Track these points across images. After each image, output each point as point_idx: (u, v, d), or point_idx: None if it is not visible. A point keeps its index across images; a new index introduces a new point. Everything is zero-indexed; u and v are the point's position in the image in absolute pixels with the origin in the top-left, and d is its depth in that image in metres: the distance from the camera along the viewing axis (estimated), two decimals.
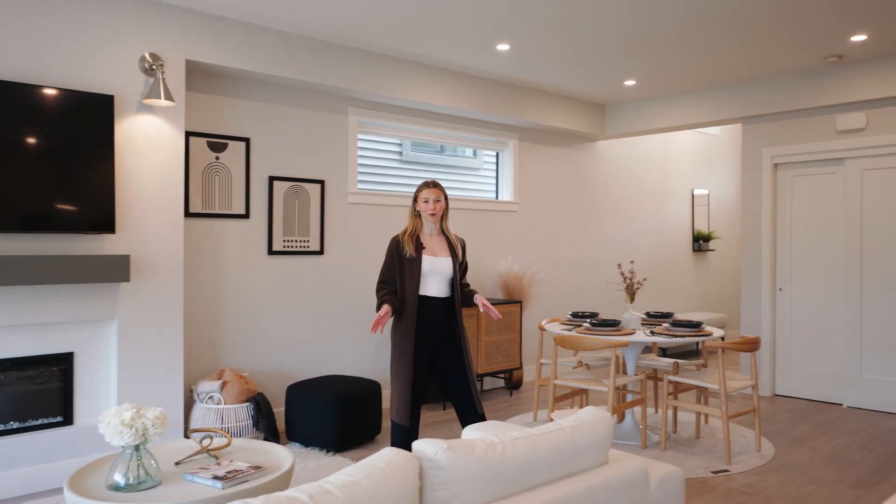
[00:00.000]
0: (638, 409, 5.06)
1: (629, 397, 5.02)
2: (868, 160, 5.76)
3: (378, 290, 3.71)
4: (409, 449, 3.66)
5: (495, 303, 5.95)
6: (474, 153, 6.69)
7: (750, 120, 6.39)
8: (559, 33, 4.83)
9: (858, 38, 4.96)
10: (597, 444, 2.25)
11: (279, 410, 5.00)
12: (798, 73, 5.91)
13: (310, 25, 4.68)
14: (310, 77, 4.94)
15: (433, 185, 3.75)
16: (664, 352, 7.95)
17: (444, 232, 3.82)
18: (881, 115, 5.64)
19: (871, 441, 4.82)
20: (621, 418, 4.93)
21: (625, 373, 4.86)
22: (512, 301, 6.12)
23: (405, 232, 3.74)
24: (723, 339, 4.78)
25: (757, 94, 6.18)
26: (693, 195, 8.90)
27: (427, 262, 3.67)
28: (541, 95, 6.59)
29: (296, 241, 5.16)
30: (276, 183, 5.05)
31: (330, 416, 4.44)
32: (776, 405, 5.93)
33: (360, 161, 5.70)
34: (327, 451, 4.45)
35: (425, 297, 3.68)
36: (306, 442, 4.55)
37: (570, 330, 4.76)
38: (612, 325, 4.62)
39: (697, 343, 8.17)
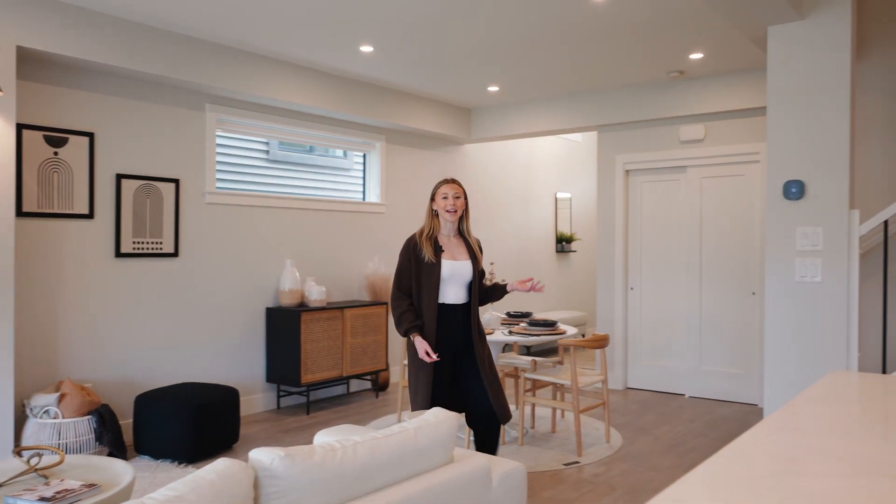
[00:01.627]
0: None
1: None
2: (707, 168, 6.25)
3: (395, 306, 3.38)
4: None
5: (361, 305, 5.93)
6: (344, 154, 6.63)
7: (604, 128, 6.75)
8: (420, 38, 4.88)
9: (696, 55, 5.37)
10: (440, 444, 2.29)
11: (127, 422, 4.72)
12: (646, 85, 6.31)
13: (162, 17, 4.45)
14: (162, 70, 4.70)
15: (452, 181, 3.46)
16: (528, 350, 8.23)
17: (462, 234, 3.52)
18: (718, 128, 6.14)
19: (707, 428, 5.23)
20: None
21: None
22: (378, 303, 6.12)
23: (422, 233, 3.42)
24: (584, 336, 5.01)
25: (610, 104, 6.54)
26: (556, 198, 9.28)
27: (447, 266, 3.36)
28: (408, 98, 6.63)
29: (147, 242, 4.89)
30: (124, 181, 4.76)
31: (182, 425, 4.24)
32: (627, 397, 6.30)
33: (221, 160, 5.49)
34: (179, 464, 4.24)
35: (444, 304, 3.38)
36: (157, 454, 4.32)
37: None
38: None
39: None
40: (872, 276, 4.22)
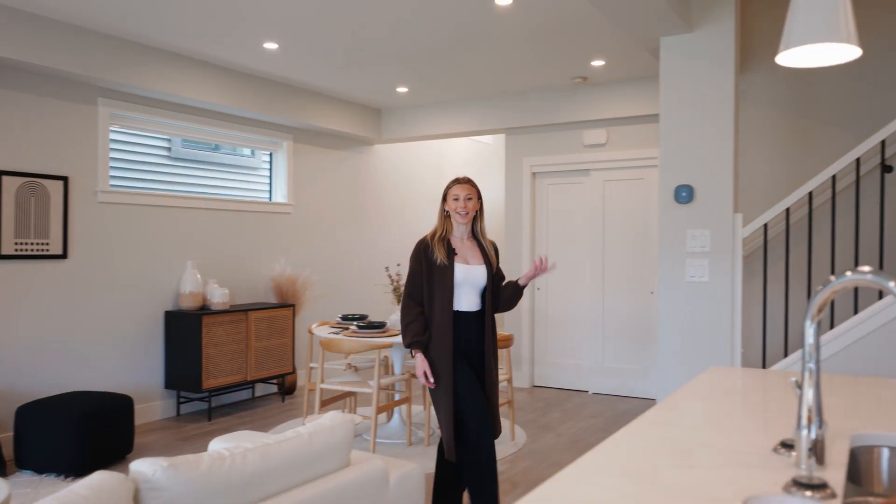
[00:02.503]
0: (408, 407, 5.19)
1: (397, 397, 5.14)
2: (609, 172, 6.47)
3: (403, 314, 3.13)
4: (461, 491, 3.22)
5: (266, 307, 5.79)
6: (252, 153, 6.46)
7: (512, 131, 6.87)
8: (325, 37, 4.82)
9: (598, 62, 5.54)
10: (336, 448, 2.26)
11: (7, 435, 4.43)
12: (551, 90, 6.47)
13: (50, 6, 4.20)
14: (50, 62, 4.43)
15: (465, 180, 3.20)
16: None
17: (475, 236, 3.26)
18: (619, 133, 6.36)
19: (608, 423, 5.41)
20: (389, 417, 5.04)
21: (393, 373, 4.97)
22: (285, 305, 5.99)
23: (434, 234, 3.17)
24: (512, 336, 5.06)
25: (517, 107, 6.67)
26: None
27: (460, 270, 3.10)
28: (316, 97, 6.53)
29: (32, 243, 4.60)
30: (5, 178, 4.46)
31: (70, 437, 4.01)
32: (534, 395, 6.43)
33: (117, 157, 5.23)
34: (66, 478, 4.01)
35: (459, 312, 3.11)
36: (41, 469, 4.07)
37: (338, 333, 4.77)
38: (379, 326, 4.70)
39: None
40: (757, 275, 4.48)
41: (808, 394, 1.29)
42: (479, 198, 3.21)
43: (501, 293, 3.24)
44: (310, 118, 6.46)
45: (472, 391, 3.03)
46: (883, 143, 3.60)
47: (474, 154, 9.56)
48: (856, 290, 3.64)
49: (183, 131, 5.70)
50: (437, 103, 7.08)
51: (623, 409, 5.85)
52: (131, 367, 5.23)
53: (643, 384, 6.28)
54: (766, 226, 3.81)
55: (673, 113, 3.86)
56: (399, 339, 4.58)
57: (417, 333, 3.08)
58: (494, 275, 3.19)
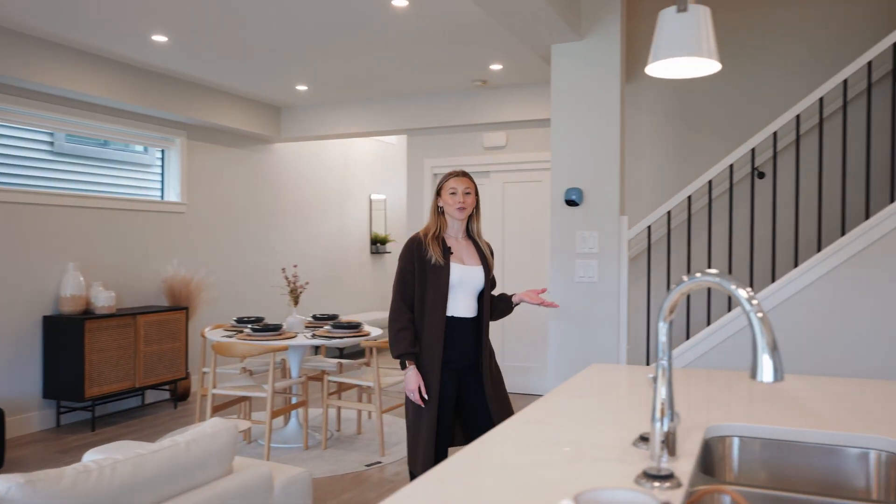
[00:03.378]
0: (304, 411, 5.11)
1: (294, 400, 5.05)
2: (508, 174, 6.60)
3: (392, 320, 2.86)
4: None
5: (157, 311, 5.55)
6: (145, 149, 6.17)
7: (413, 132, 6.89)
8: (217, 30, 4.68)
9: (496, 66, 5.64)
10: (217, 456, 2.20)
11: None
12: (452, 92, 6.53)
13: None
14: None
15: (462, 173, 2.96)
16: (342, 352, 8.19)
17: (471, 235, 3.02)
18: (518, 136, 6.50)
19: None
20: (286, 421, 4.95)
21: (290, 376, 4.88)
22: (177, 308, 5.77)
23: (427, 232, 2.92)
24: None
25: (418, 108, 6.69)
26: (371, 200, 9.33)
27: (456, 271, 2.86)
28: (211, 93, 6.33)
29: None
30: None
31: None
32: None
33: None
34: None
35: (452, 317, 2.86)
36: None
37: (232, 336, 4.63)
38: (274, 329, 4.61)
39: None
40: (644, 275, 4.69)
41: (661, 389, 1.36)
42: (477, 193, 2.97)
43: (494, 305, 3.03)
44: (204, 114, 6.25)
45: (446, 414, 2.84)
46: (753, 150, 3.84)
47: (379, 154, 9.53)
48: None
49: (67, 126, 5.39)
50: (339, 102, 7.01)
51: (519, 407, 5.96)
52: (4, 377, 4.89)
53: (542, 382, 6.44)
54: (649, 228, 3.99)
55: (563, 118, 3.98)
56: (295, 341, 4.50)
57: (409, 344, 2.81)
58: (491, 279, 2.99)
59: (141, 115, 5.93)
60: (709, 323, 3.92)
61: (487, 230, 6.67)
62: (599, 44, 3.91)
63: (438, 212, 2.96)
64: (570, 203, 3.93)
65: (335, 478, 4.12)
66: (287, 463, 4.26)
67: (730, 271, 3.92)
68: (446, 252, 2.87)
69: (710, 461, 1.64)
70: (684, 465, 1.35)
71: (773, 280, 3.77)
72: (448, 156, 6.77)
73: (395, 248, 9.82)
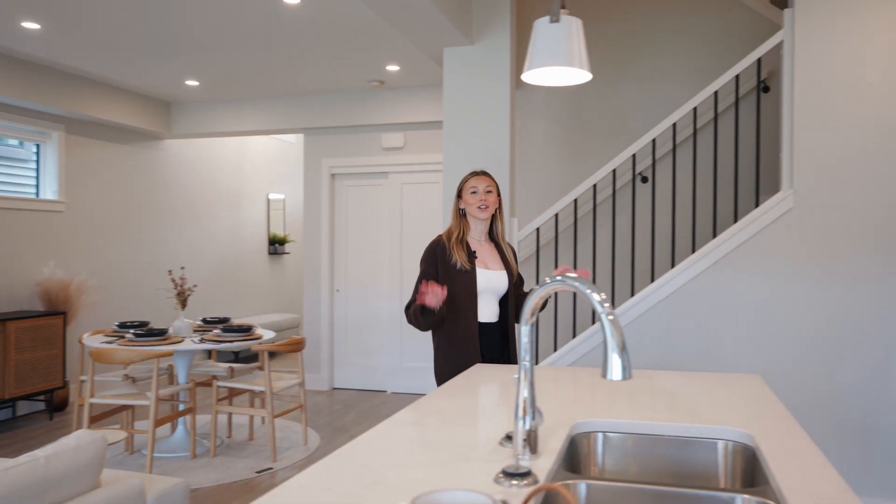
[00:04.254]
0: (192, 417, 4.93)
1: (181, 407, 4.87)
2: (407, 175, 6.61)
3: (408, 308, 2.75)
4: None
5: (30, 316, 5.20)
6: (21, 144, 5.76)
7: (310, 131, 6.79)
8: (94, 19, 4.44)
9: (393, 67, 5.64)
10: (82, 470, 2.08)
11: None
12: (350, 92, 6.48)
13: None
14: None
15: (482, 172, 2.83)
16: (237, 356, 7.96)
17: (493, 238, 2.89)
18: (416, 137, 6.53)
19: None
20: (174, 429, 4.76)
21: (177, 382, 4.70)
22: (54, 313, 5.43)
23: (449, 235, 2.79)
24: (303, 339, 4.93)
25: (316, 107, 6.60)
26: (269, 200, 9.12)
27: (482, 276, 2.74)
28: (92, 85, 5.99)
29: None
30: None
31: None
32: (333, 398, 6.41)
33: None
34: None
35: (481, 323, 2.75)
36: None
37: (113, 342, 4.41)
38: (159, 334, 4.42)
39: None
40: (533, 277, 4.82)
41: (524, 388, 1.40)
42: (499, 192, 2.84)
43: (522, 301, 2.84)
44: (85, 108, 5.92)
45: None
46: (634, 157, 4.02)
47: (278, 153, 9.32)
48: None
49: None
50: (233, 99, 6.81)
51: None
52: None
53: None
54: (538, 230, 4.11)
55: (455, 120, 4.03)
56: (182, 346, 4.33)
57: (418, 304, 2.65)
58: (515, 282, 2.86)
59: (13, 106, 5.54)
60: (593, 322, 4.07)
61: (386, 232, 6.66)
62: (490, 49, 3.98)
63: (460, 214, 2.84)
64: None
65: (223, 486, 4.00)
66: (173, 472, 4.10)
67: (613, 272, 4.09)
68: (471, 256, 2.76)
69: (575, 457, 1.70)
70: (545, 462, 1.40)
71: (653, 280, 3.96)
72: (346, 156, 6.72)
73: (294, 249, 9.65)
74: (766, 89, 4.44)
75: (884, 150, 3.48)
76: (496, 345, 2.79)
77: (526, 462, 1.38)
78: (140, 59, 5.39)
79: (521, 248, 4.48)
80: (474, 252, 2.78)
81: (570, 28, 2.00)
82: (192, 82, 6.11)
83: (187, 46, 5.03)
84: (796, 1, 3.60)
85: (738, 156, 3.99)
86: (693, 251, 3.88)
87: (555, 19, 1.98)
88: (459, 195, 2.83)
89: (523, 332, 1.41)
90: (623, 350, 1.26)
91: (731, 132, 4.43)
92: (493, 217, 2.84)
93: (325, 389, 6.73)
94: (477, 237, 2.83)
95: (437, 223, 6.45)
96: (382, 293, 6.69)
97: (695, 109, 3.90)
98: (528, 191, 5.02)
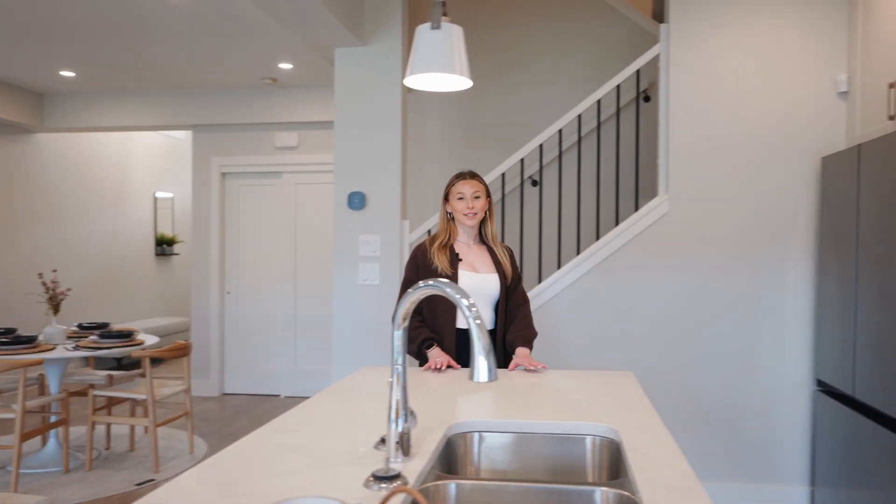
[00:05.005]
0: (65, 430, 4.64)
1: (53, 419, 4.57)
2: (301, 175, 6.50)
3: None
4: None
5: None
6: None
7: (199, 128, 6.55)
8: None
9: (286, 65, 5.53)
10: None
11: None
12: (242, 89, 6.30)
13: None
14: None
15: (469, 175, 2.70)
16: (119, 363, 7.56)
17: (484, 241, 2.78)
18: (310, 137, 6.43)
19: None
20: (44, 442, 4.46)
21: (49, 392, 4.41)
22: None
23: (434, 240, 2.69)
24: (189, 344, 4.74)
25: (205, 103, 6.37)
26: (156, 198, 8.72)
27: (467, 280, 2.63)
28: None
29: None
30: None
31: None
32: (223, 404, 6.21)
33: None
34: None
35: (461, 330, 2.63)
36: None
37: None
38: (27, 342, 4.14)
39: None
40: None
41: (396, 391, 1.42)
42: (488, 195, 2.74)
43: (514, 312, 2.74)
44: None
45: None
46: (522, 161, 4.13)
47: (166, 150, 8.94)
48: None
49: None
50: (116, 93, 6.46)
51: None
52: None
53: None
54: (429, 233, 4.14)
55: (346, 121, 4.01)
56: (52, 354, 4.07)
57: (427, 336, 2.58)
58: (510, 286, 2.73)
59: None
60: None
61: (279, 233, 6.52)
62: (382, 51, 3.98)
63: (448, 218, 2.75)
64: (353, 207, 3.96)
65: (98, 501, 3.79)
66: (41, 490, 3.85)
67: None
68: (454, 260, 2.67)
69: (452, 458, 1.73)
70: (417, 463, 1.41)
71: (540, 281, 4.08)
72: (238, 154, 6.53)
73: (183, 250, 9.27)
74: (648, 99, 4.67)
75: (749, 157, 3.75)
76: None
77: (398, 465, 1.40)
78: (4, 47, 5.02)
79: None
80: (458, 255, 2.69)
81: (451, 35, 2.04)
82: (67, 73, 5.75)
83: (61, 35, 4.73)
84: (671, 17, 3.82)
85: (620, 161, 4.18)
86: (578, 253, 4.03)
87: (436, 26, 2.00)
88: (446, 198, 2.74)
89: (397, 337, 1.42)
90: (489, 353, 1.29)
91: (614, 139, 4.63)
92: (483, 220, 2.75)
93: (215, 395, 6.51)
94: (465, 241, 2.75)
95: (332, 223, 6.38)
96: (276, 295, 6.55)
97: (579, 117, 4.05)
98: (423, 193, 5.06)
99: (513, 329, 2.69)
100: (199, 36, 4.75)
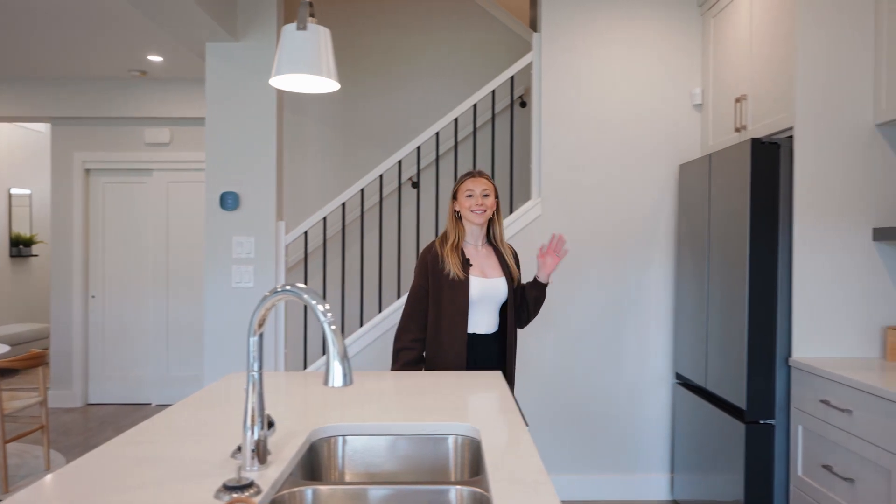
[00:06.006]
0: None
1: None
2: (173, 173, 6.21)
3: (397, 338, 2.63)
4: None
5: None
6: None
7: (59, 121, 6.12)
8: None
9: (155, 58, 5.27)
10: None
11: None
12: (108, 81, 5.95)
13: None
14: None
15: (479, 173, 2.66)
16: None
17: (492, 242, 2.72)
18: (183, 133, 6.16)
19: None
20: None
21: None
22: None
23: (444, 241, 2.63)
24: (44, 353, 4.39)
25: (66, 95, 5.97)
26: (10, 195, 8.07)
27: (477, 285, 2.58)
28: None
29: None
30: None
31: None
32: (87, 415, 5.83)
33: None
34: None
35: (471, 335, 2.60)
36: None
37: None
38: None
39: None
40: (312, 279, 4.78)
41: (252, 398, 1.39)
42: (497, 195, 2.70)
43: (527, 299, 2.73)
44: None
45: None
46: (400, 163, 4.15)
47: (22, 143, 8.28)
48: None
49: None
50: None
51: None
52: None
53: None
54: (306, 234, 4.08)
55: (219, 119, 3.88)
56: None
57: (410, 364, 2.59)
58: (516, 288, 2.72)
59: None
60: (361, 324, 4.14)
61: (150, 234, 6.21)
62: (256, 48, 3.88)
63: (456, 217, 2.69)
64: (226, 207, 3.84)
65: None
66: None
67: (380, 276, 4.19)
68: (465, 265, 2.60)
69: (316, 463, 1.72)
70: (274, 471, 1.39)
71: None
72: (104, 150, 6.15)
73: (41, 250, 8.62)
74: (524, 104, 4.83)
75: (616, 164, 3.95)
76: (494, 356, 2.65)
77: (253, 473, 1.37)
78: None
79: (290, 253, 4.44)
80: (468, 260, 2.64)
81: (319, 37, 2.01)
82: None
83: None
84: (543, 27, 3.96)
85: (496, 164, 4.30)
86: None
87: (302, 27, 1.98)
88: (455, 197, 2.69)
89: (253, 344, 1.39)
90: (344, 358, 1.30)
91: (491, 142, 4.75)
92: (491, 220, 2.71)
93: (79, 406, 6.11)
94: (473, 242, 2.70)
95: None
96: (146, 299, 6.23)
97: (456, 120, 4.13)
98: (302, 194, 4.97)
99: (529, 286, 2.72)
100: (60, 22, 4.44)
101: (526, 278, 3.45)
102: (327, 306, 1.31)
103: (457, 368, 2.56)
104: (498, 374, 2.48)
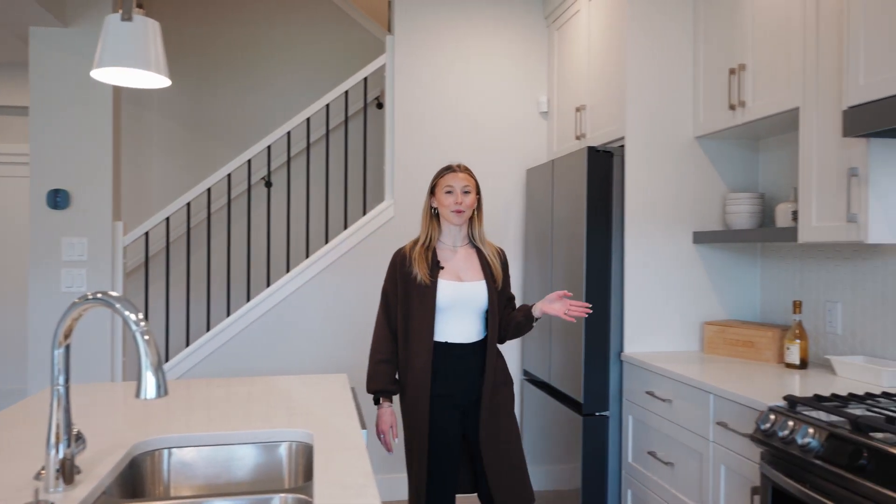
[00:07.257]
0: None
1: None
2: None
3: (373, 350, 2.46)
4: None
5: None
6: None
7: None
8: None
9: None
10: None
11: None
12: None
13: None
14: None
15: (459, 168, 2.46)
16: None
17: (473, 242, 2.52)
18: (5, 123, 5.62)
19: None
20: None
21: None
22: None
23: (415, 244, 2.48)
24: None
25: None
26: None
27: (446, 289, 2.39)
28: None
29: None
30: None
31: None
32: None
33: None
34: None
35: (444, 344, 2.41)
36: None
37: None
38: None
39: None
40: (156, 282, 4.52)
41: (57, 414, 1.29)
42: (478, 191, 2.48)
43: (510, 320, 2.50)
44: None
45: (447, 460, 2.38)
46: (250, 162, 4.02)
47: None
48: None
49: None
50: None
51: None
52: None
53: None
54: (147, 235, 3.86)
55: (45, 110, 3.58)
56: None
57: (388, 380, 2.43)
58: (500, 291, 2.49)
59: None
60: (208, 328, 3.97)
61: None
62: (88, 35, 3.62)
63: (432, 214, 2.48)
64: (55, 206, 3.55)
65: None
66: None
67: (228, 280, 4.04)
68: (435, 268, 2.41)
69: (139, 479, 1.63)
70: (81, 491, 1.30)
71: (269, 285, 4.01)
72: None
73: None
74: (381, 105, 4.83)
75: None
76: (472, 367, 2.43)
77: (58, 495, 1.28)
78: None
79: (130, 256, 4.18)
80: (439, 262, 2.43)
81: (147, 29, 1.91)
82: None
83: None
84: (396, 30, 3.99)
85: (349, 166, 4.27)
86: (307, 256, 4.03)
87: (126, 17, 1.87)
88: (432, 192, 2.48)
89: (58, 357, 1.30)
90: (158, 368, 1.24)
91: (344, 143, 4.72)
92: (472, 219, 2.50)
93: None
94: (451, 243, 2.50)
95: (13, 223, 5.64)
96: None
97: (308, 120, 4.06)
98: (145, 193, 4.69)
99: (518, 311, 2.52)
100: None
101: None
102: (140, 315, 1.24)
103: (422, 378, 2.38)
104: (343, 376, 2.46)
